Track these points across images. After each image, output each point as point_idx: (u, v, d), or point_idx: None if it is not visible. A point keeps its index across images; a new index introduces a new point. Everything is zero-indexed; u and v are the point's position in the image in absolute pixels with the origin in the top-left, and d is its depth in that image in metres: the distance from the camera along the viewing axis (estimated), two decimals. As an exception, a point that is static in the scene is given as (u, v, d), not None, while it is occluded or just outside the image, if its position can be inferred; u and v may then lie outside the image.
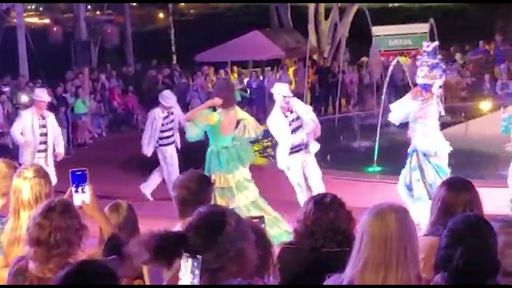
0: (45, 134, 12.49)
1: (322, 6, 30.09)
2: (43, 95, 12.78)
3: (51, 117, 12.76)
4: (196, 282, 2.98)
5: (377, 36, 25.48)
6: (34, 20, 34.22)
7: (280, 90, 10.88)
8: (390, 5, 36.94)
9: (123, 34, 31.15)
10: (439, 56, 10.35)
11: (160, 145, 13.37)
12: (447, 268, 3.36)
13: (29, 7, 34.46)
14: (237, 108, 10.16)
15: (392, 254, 3.27)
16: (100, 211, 4.26)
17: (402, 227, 3.32)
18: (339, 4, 29.37)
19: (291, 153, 10.83)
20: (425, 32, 25.12)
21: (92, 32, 29.46)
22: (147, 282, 4.18)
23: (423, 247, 4.05)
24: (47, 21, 35.26)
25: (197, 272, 2.99)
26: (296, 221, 4.32)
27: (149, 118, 13.62)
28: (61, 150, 12.88)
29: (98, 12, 33.86)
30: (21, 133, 12.48)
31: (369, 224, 3.34)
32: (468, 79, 25.49)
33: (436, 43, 10.59)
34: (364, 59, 27.45)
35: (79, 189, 4.03)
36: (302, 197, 10.63)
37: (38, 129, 12.37)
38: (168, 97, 13.39)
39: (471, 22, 31.44)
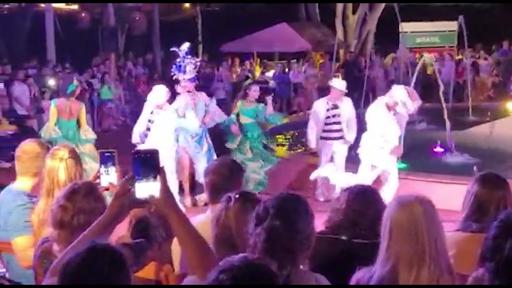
0: None
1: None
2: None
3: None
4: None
5: (404, 32, 25.30)
6: (62, 5, 34.29)
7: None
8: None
9: (151, 22, 31.13)
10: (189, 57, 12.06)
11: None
12: (495, 258, 3.31)
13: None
14: (83, 109, 11.61)
15: (424, 249, 3.21)
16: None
17: (430, 219, 3.27)
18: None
19: None
20: (453, 30, 24.89)
21: (119, 19, 29.49)
22: (177, 268, 4.17)
23: (454, 242, 4.00)
24: (75, 7, 35.35)
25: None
26: (330, 210, 4.27)
27: None
28: None
29: (126, -1, 33.84)
30: None
31: (396, 217, 3.29)
32: (495, 79, 25.25)
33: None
34: (392, 55, 27.22)
35: (106, 170, 3.95)
36: None
37: None
38: None
39: (499, 21, 31.14)
